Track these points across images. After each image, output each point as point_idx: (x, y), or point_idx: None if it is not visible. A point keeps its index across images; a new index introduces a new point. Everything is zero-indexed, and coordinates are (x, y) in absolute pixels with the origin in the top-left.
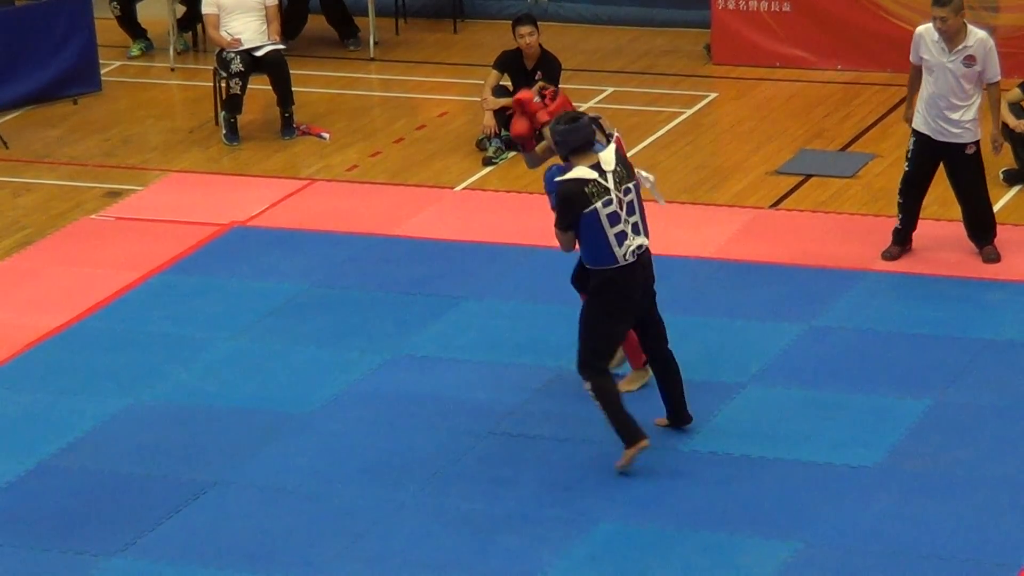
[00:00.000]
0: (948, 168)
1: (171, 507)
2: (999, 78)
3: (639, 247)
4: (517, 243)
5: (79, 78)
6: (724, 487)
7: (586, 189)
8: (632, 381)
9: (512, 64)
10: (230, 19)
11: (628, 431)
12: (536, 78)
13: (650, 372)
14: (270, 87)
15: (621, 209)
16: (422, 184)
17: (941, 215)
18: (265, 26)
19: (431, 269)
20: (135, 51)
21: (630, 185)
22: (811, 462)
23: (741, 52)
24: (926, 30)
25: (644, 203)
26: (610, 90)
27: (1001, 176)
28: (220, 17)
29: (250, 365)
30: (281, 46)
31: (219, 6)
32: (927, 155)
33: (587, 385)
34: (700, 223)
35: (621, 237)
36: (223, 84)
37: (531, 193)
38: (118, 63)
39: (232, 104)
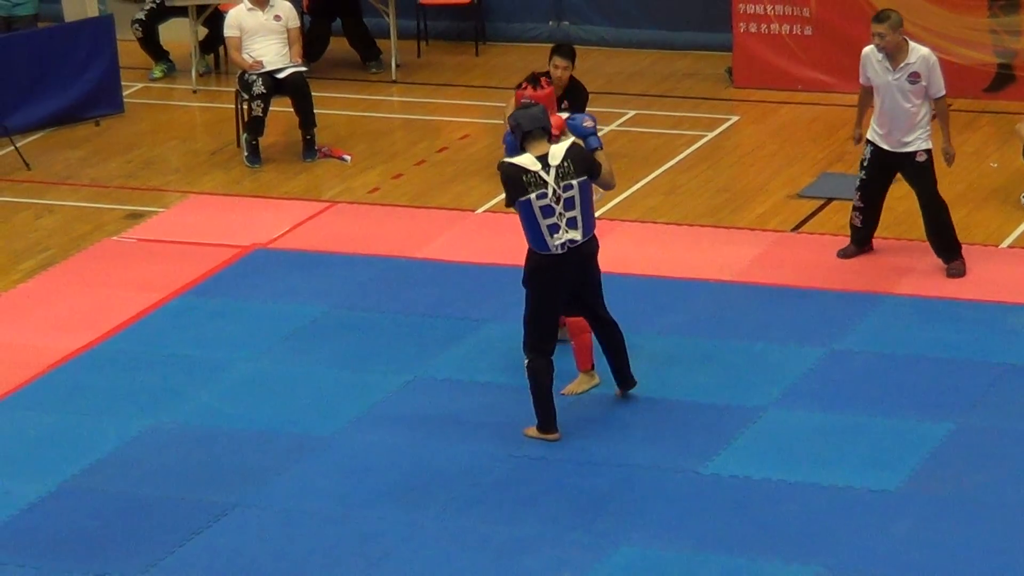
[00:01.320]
0: (906, 178)
1: (192, 529)
2: (944, 92)
3: (571, 241)
4: None
5: (102, 100)
6: (745, 511)
7: (524, 178)
8: (580, 384)
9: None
10: (252, 41)
11: (545, 419)
12: (563, 106)
13: (598, 377)
14: (292, 109)
15: (557, 204)
16: (443, 207)
17: (963, 239)
18: (287, 48)
19: (452, 291)
20: (157, 73)
21: (573, 182)
22: (832, 486)
23: (763, 75)
24: (871, 51)
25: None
26: (632, 113)
27: (1022, 200)
28: (242, 39)
29: (271, 387)
30: (303, 68)
31: (241, 28)
32: (880, 164)
33: (525, 361)
34: (722, 246)
35: (553, 228)
36: (245, 106)
37: None
38: (140, 85)
39: (254, 126)
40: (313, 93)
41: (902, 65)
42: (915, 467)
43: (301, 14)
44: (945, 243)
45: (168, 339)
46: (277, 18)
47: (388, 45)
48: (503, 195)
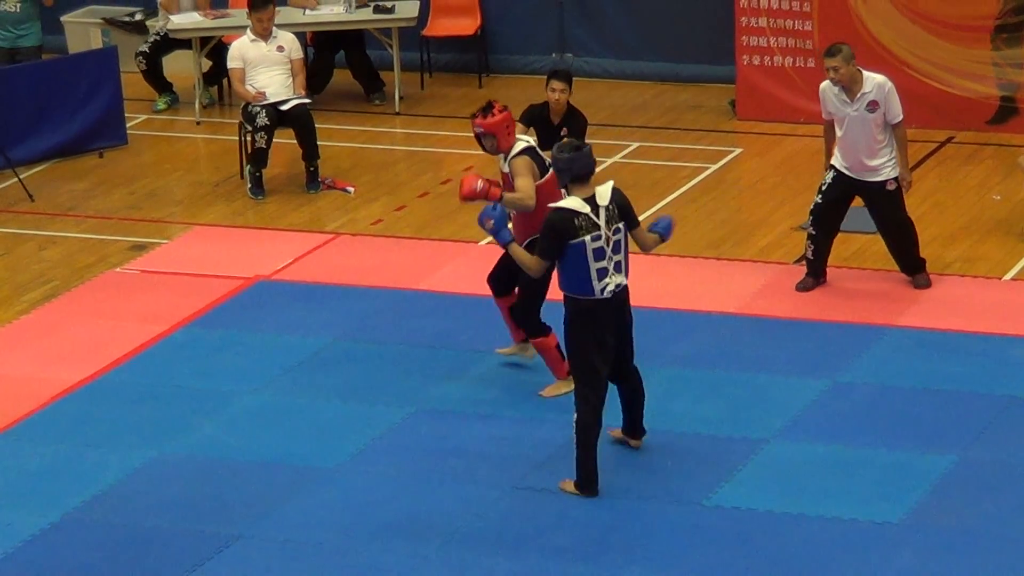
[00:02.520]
0: (868, 205)
1: (195, 561)
2: (901, 117)
3: (617, 285)
4: None
5: (105, 131)
6: (748, 542)
7: (576, 221)
8: (556, 388)
9: (538, 118)
10: (255, 73)
11: (587, 478)
12: (562, 134)
13: (572, 383)
14: (295, 141)
15: (608, 246)
16: (446, 238)
17: (966, 271)
18: (290, 80)
19: (455, 323)
20: (161, 105)
21: (620, 225)
22: (835, 518)
23: (766, 108)
24: (828, 85)
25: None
26: (635, 145)
27: None
28: (245, 71)
29: (274, 419)
30: (306, 100)
31: (244, 60)
32: (841, 190)
33: (575, 416)
34: (724, 278)
35: (602, 273)
36: (248, 138)
37: None
38: (144, 117)
39: (257, 158)
40: (317, 125)
41: (859, 95)
42: (918, 499)
43: (305, 46)
44: (911, 262)
45: (171, 371)
46: (280, 49)
47: (392, 77)
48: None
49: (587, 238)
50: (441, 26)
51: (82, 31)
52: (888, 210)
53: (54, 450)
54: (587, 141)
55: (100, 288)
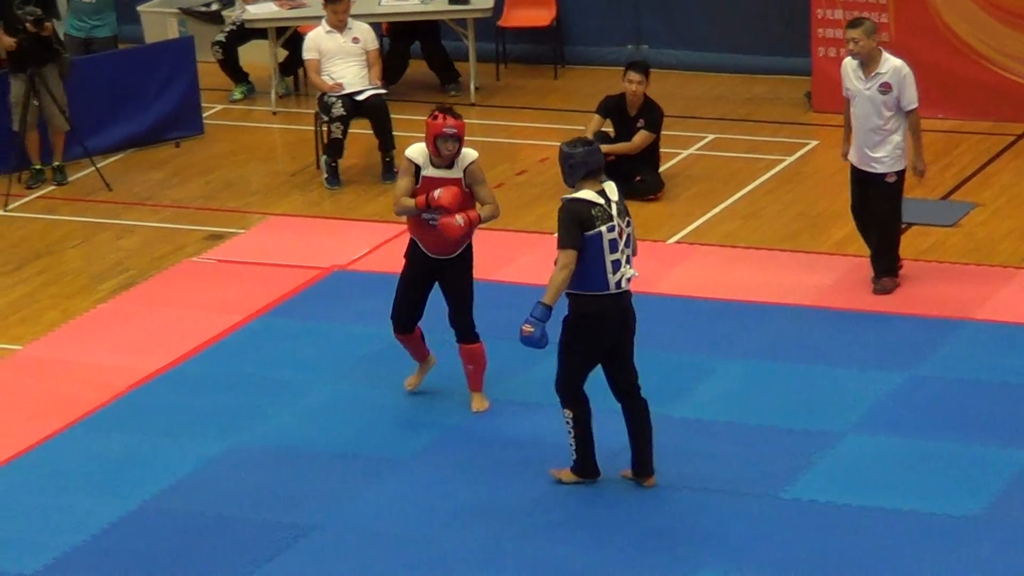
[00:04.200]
0: (868, 195)
1: (270, 550)
2: (916, 105)
3: (628, 278)
4: None
5: (182, 121)
6: (824, 536)
7: (592, 211)
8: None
9: (615, 110)
10: (331, 64)
11: (585, 464)
12: (638, 125)
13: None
14: (371, 131)
15: (620, 238)
16: (522, 229)
17: None
18: (366, 71)
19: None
20: (237, 95)
21: (629, 219)
22: (912, 511)
23: (842, 99)
24: (849, 60)
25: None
26: (711, 137)
27: None
28: (321, 62)
29: (348, 409)
30: (382, 91)
31: (320, 51)
32: (859, 184)
33: (566, 413)
34: (800, 271)
35: (616, 265)
36: (324, 128)
37: None
38: (220, 106)
39: (333, 148)
40: (392, 115)
41: (873, 74)
42: (996, 492)
43: (380, 37)
44: (882, 262)
45: (246, 360)
46: (356, 40)
47: (467, 68)
48: None
49: (603, 229)
50: (517, 17)
51: (159, 21)
52: (879, 202)
53: (130, 439)
54: (664, 133)
55: (176, 277)
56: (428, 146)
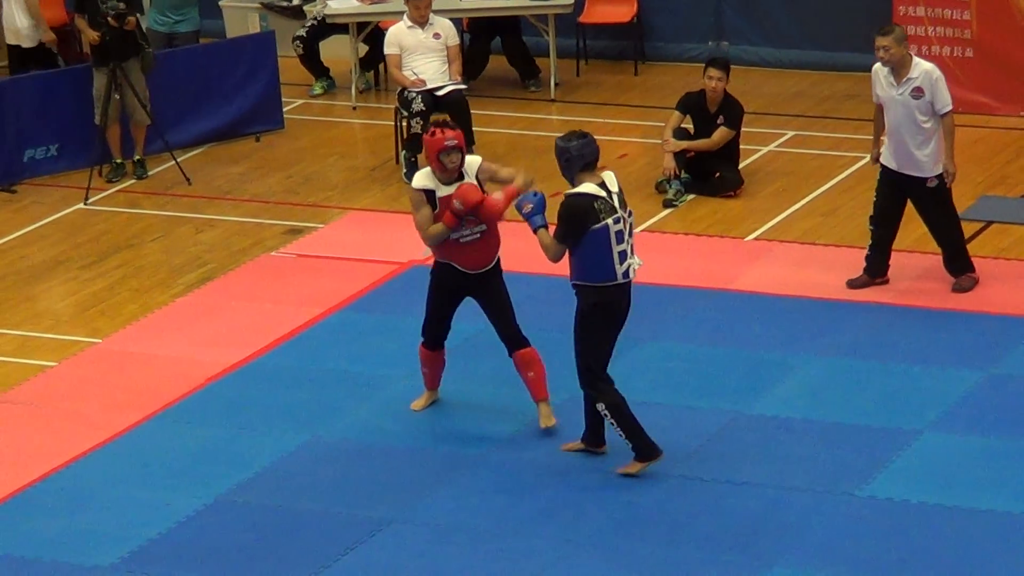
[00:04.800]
0: (915, 204)
1: (347, 544)
2: (950, 107)
3: (634, 267)
4: (696, 286)
5: (262, 116)
6: (901, 534)
7: (595, 204)
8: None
9: (695, 106)
10: (412, 59)
11: (642, 445)
12: (718, 122)
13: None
14: None
15: (626, 228)
16: None
17: None
18: (446, 66)
19: None
20: (317, 89)
21: (629, 209)
22: (989, 510)
23: None
24: (879, 67)
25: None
26: (791, 134)
27: None
28: (402, 57)
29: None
30: (462, 86)
31: (401, 46)
32: (892, 187)
33: (600, 406)
34: None
35: (623, 256)
36: (404, 123)
37: (711, 236)
38: (301, 101)
39: (413, 143)
40: (472, 111)
41: (905, 80)
42: None
43: (461, 32)
44: (955, 262)
45: (326, 354)
46: (437, 36)
47: (547, 63)
48: (663, 214)
49: (609, 221)
50: (597, 13)
51: (240, 16)
52: (930, 207)
53: (209, 432)
54: (744, 130)
55: (255, 271)
56: (432, 165)
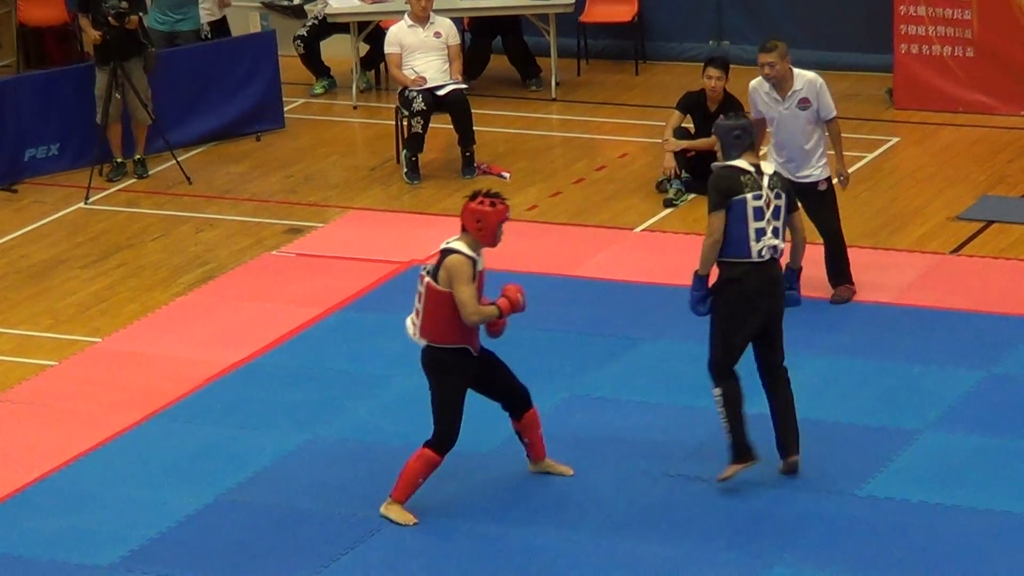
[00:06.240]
0: (805, 207)
1: (347, 543)
2: (835, 113)
3: (774, 248)
4: None
5: (263, 115)
6: (901, 534)
7: (742, 178)
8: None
9: (695, 106)
10: (412, 58)
11: (740, 446)
12: (719, 120)
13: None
14: (451, 126)
15: (768, 208)
16: (602, 225)
17: None
18: (447, 65)
19: (609, 310)
20: (318, 89)
21: (782, 192)
22: (989, 510)
23: (923, 97)
24: (758, 83)
25: None
26: None
27: None
28: (403, 56)
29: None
30: (463, 85)
31: (402, 45)
32: None
33: (716, 391)
34: (880, 268)
35: (760, 233)
36: (405, 123)
37: None
38: (301, 100)
39: (413, 143)
40: (473, 110)
41: (790, 93)
42: None
43: (462, 31)
44: (834, 269)
45: (326, 354)
46: (437, 35)
47: (548, 63)
48: (663, 213)
49: (749, 196)
50: (598, 12)
51: (241, 15)
52: (819, 214)
53: (209, 431)
54: None
55: (256, 271)
56: (486, 236)
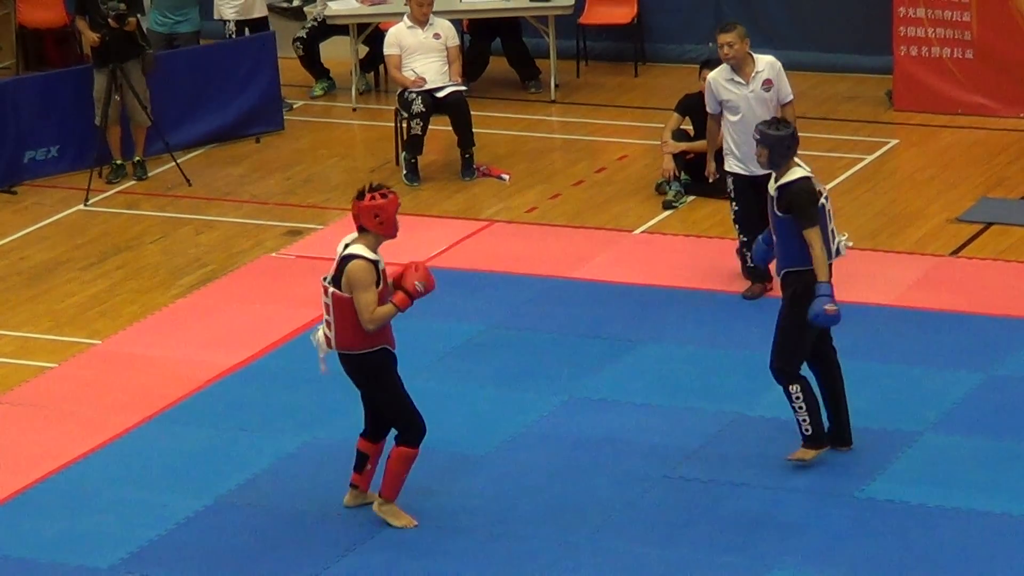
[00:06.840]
0: (759, 198)
1: (347, 545)
2: (792, 97)
3: (844, 245)
4: (695, 287)
5: (262, 117)
6: (900, 536)
7: (817, 187)
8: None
9: (694, 108)
10: (412, 60)
11: (819, 434)
12: None
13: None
14: (451, 128)
15: (830, 207)
16: (601, 227)
17: None
18: (446, 67)
19: (608, 312)
20: (318, 91)
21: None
22: (989, 512)
23: (923, 99)
24: (717, 73)
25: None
26: None
27: None
28: (402, 58)
29: (428, 405)
30: (462, 87)
31: (401, 47)
32: (749, 191)
33: (793, 388)
34: (880, 270)
35: (834, 234)
36: (404, 124)
37: (711, 237)
38: (301, 102)
39: (413, 144)
40: (472, 112)
41: (753, 75)
42: None
43: (461, 33)
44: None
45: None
46: (437, 36)
47: (547, 65)
48: (662, 215)
49: (824, 201)
50: (598, 14)
51: None
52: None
53: (208, 433)
54: None
55: (256, 273)
56: (388, 228)
